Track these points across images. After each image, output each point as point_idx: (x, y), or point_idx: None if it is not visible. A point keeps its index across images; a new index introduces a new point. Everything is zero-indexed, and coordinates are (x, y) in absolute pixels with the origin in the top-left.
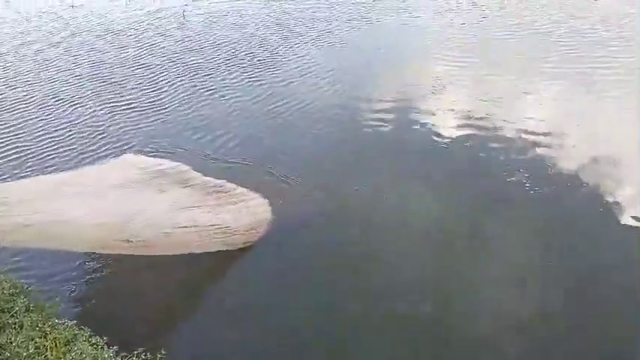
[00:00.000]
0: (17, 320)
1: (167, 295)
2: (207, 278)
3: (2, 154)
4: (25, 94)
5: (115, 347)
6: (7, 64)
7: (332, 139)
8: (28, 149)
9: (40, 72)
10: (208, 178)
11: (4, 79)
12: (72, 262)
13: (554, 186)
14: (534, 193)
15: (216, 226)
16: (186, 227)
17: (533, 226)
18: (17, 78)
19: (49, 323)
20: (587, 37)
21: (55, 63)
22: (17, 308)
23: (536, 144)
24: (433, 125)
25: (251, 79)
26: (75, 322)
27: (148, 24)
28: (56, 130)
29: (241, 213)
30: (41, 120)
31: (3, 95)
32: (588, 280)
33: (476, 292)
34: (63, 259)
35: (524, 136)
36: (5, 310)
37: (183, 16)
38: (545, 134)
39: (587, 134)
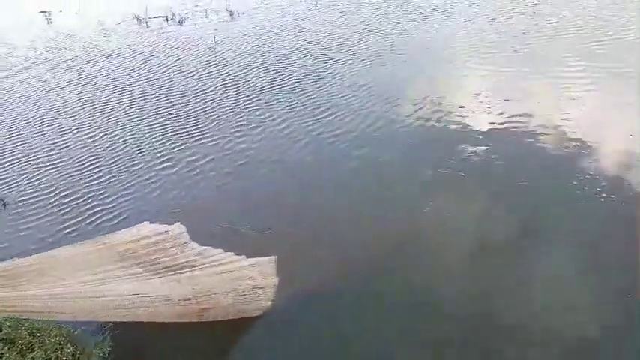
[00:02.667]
0: None
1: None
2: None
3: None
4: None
5: None
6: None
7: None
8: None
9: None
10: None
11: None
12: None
13: (611, 199)
14: (589, 207)
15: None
16: (107, 297)
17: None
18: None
19: None
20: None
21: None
22: (65, 358)
23: (584, 154)
24: (472, 139)
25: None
26: None
27: (175, 54)
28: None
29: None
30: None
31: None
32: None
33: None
34: None
35: (574, 145)
36: (52, 359)
37: (214, 41)
38: (592, 143)
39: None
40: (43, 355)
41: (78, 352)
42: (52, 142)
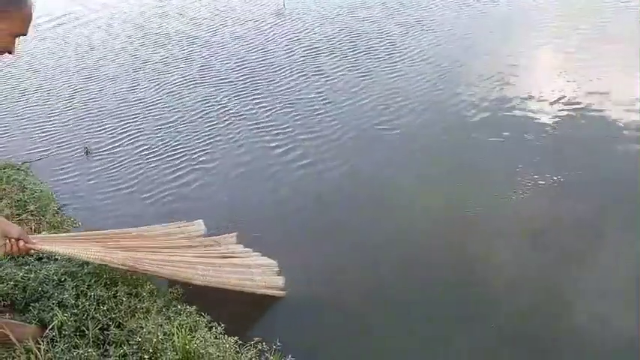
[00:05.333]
0: (145, 305)
1: None
2: None
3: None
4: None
5: (235, 337)
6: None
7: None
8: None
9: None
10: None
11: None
12: None
13: None
14: None
15: None
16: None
17: None
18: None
19: (173, 309)
20: None
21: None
22: (144, 293)
23: None
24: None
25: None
26: (195, 307)
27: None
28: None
29: None
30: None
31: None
32: None
33: None
34: None
35: None
36: (133, 294)
37: (284, 5)
38: None
39: None
40: (126, 290)
41: (155, 290)
42: (137, 105)
